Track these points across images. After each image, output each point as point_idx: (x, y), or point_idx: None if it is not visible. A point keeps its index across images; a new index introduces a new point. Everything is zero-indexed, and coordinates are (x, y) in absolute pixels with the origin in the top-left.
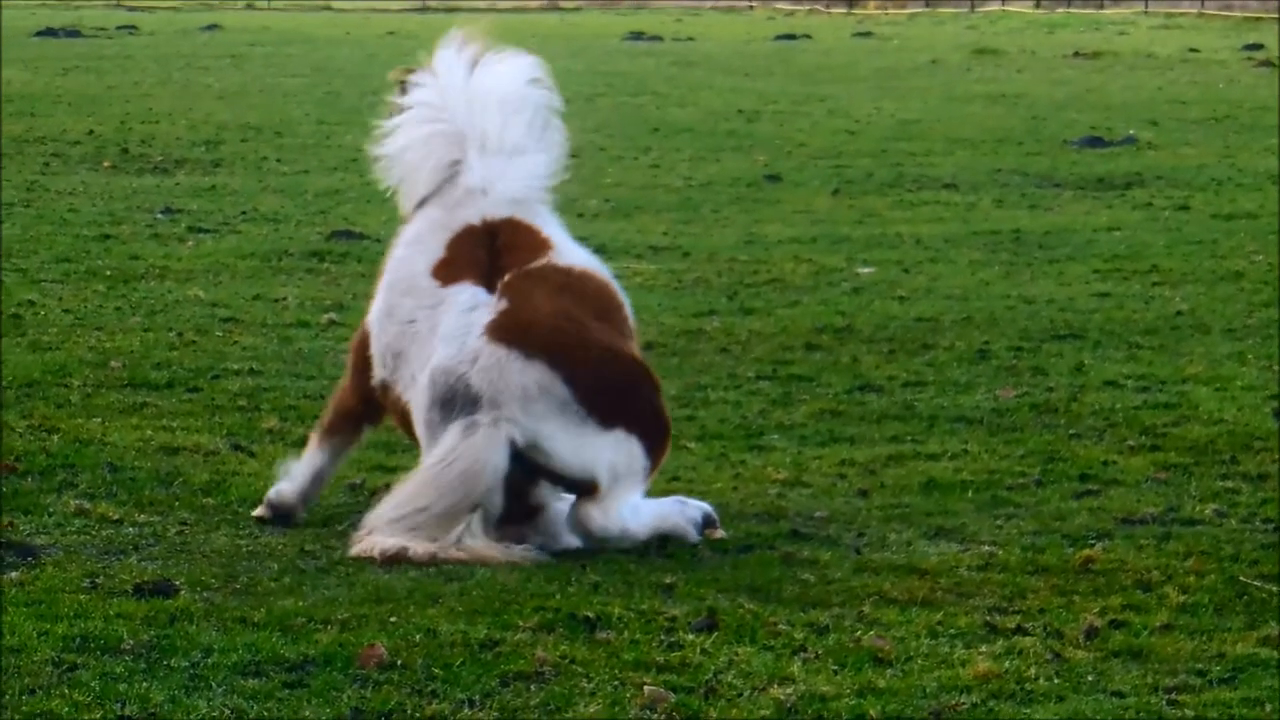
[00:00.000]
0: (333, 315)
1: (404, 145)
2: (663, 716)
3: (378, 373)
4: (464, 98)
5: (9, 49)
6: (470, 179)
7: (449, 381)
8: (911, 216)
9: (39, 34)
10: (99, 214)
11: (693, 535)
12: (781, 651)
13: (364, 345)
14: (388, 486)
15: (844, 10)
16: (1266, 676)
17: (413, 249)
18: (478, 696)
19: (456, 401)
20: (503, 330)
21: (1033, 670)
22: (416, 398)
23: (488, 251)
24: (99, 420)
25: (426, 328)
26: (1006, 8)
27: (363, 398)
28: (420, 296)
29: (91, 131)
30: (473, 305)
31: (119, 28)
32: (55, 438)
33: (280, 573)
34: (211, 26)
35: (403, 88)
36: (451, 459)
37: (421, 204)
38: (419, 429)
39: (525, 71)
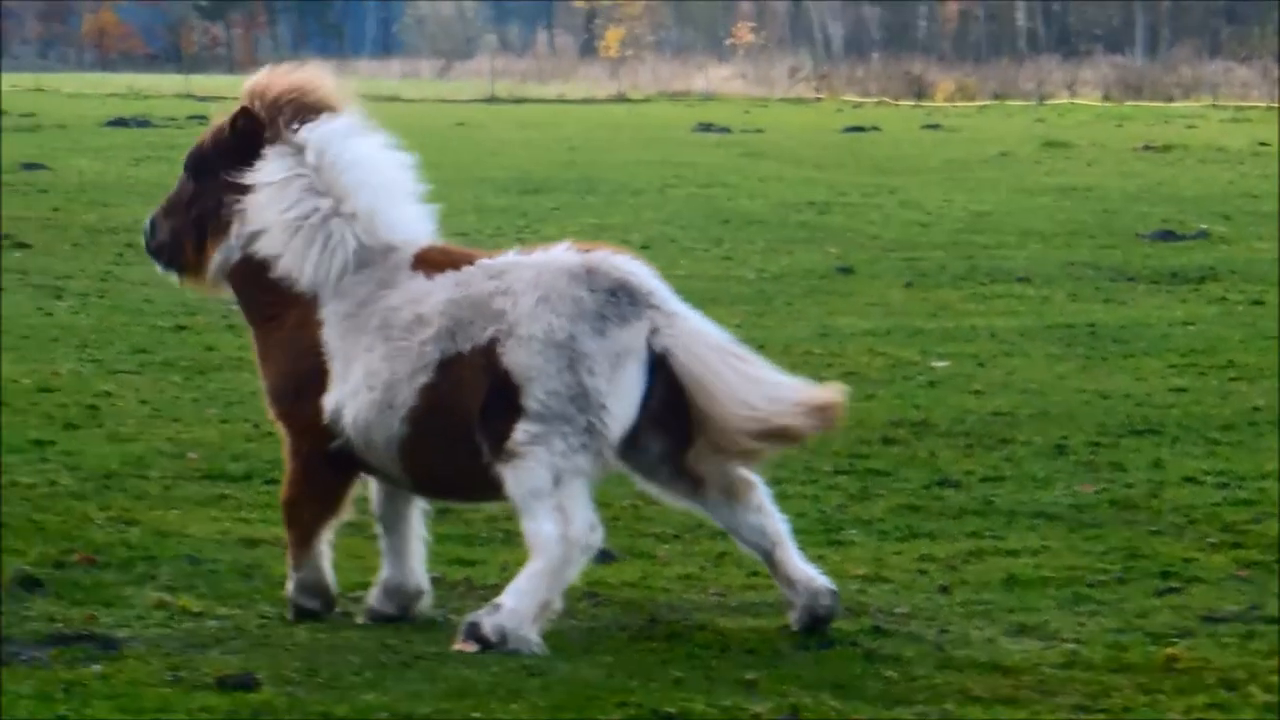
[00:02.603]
0: None
1: (289, 223)
2: None
3: (419, 381)
4: (346, 178)
5: (81, 139)
6: (386, 240)
7: (596, 285)
8: (985, 309)
9: (110, 124)
10: (173, 304)
11: None
12: None
13: (321, 442)
14: (468, 580)
15: (913, 102)
16: None
17: (373, 305)
18: None
19: (619, 299)
20: (588, 244)
21: None
22: (533, 339)
23: (460, 256)
24: (178, 512)
25: (502, 289)
26: (1075, 100)
27: (333, 497)
28: (462, 298)
29: None
30: (519, 255)
31: (189, 117)
32: (135, 530)
33: (362, 667)
34: None
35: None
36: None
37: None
38: (560, 339)
39: (386, 143)
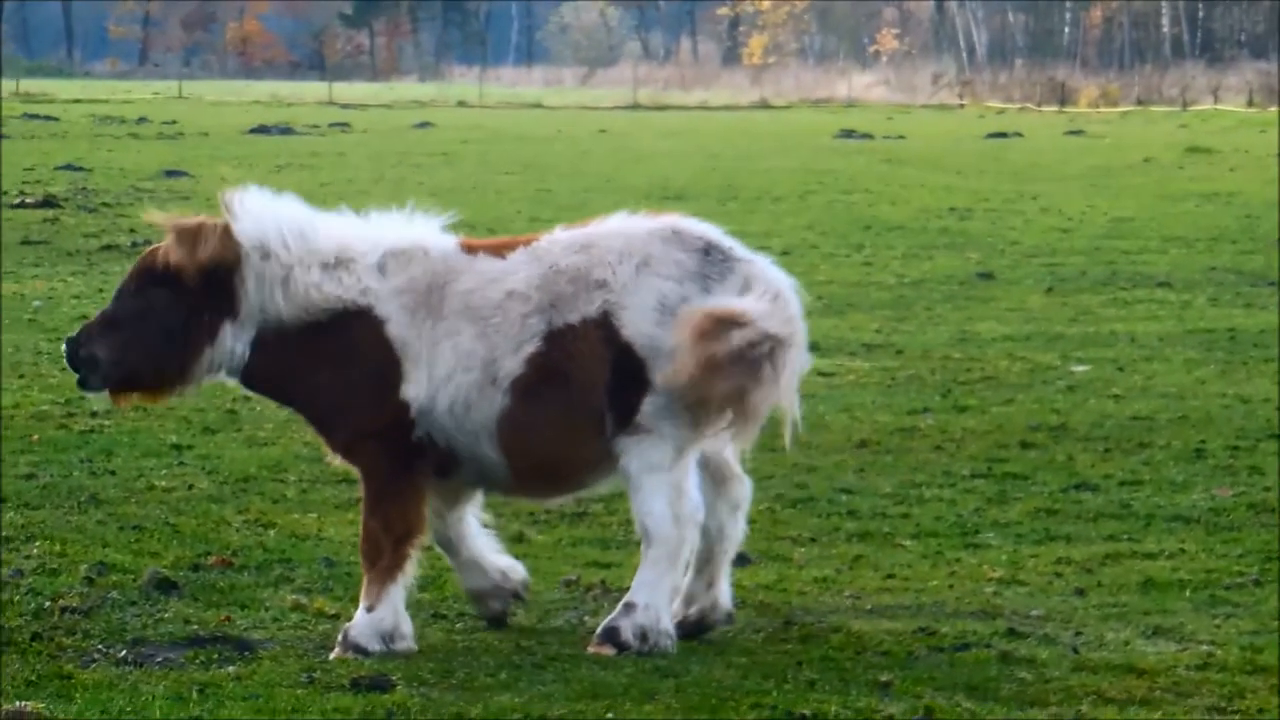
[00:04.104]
0: None
1: (305, 258)
2: None
3: (525, 351)
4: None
5: (223, 146)
6: (405, 243)
7: (687, 245)
8: (1126, 315)
9: (252, 131)
10: None
11: None
12: None
13: (401, 440)
14: (603, 583)
15: (1056, 108)
16: None
17: (441, 290)
18: None
19: (711, 256)
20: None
21: None
22: (648, 308)
23: (500, 240)
24: (315, 515)
25: (596, 260)
26: (1219, 106)
27: (418, 505)
28: (536, 271)
29: None
30: (574, 230)
31: (332, 125)
32: (272, 533)
33: (496, 668)
34: (423, 124)
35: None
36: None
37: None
38: (674, 304)
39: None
